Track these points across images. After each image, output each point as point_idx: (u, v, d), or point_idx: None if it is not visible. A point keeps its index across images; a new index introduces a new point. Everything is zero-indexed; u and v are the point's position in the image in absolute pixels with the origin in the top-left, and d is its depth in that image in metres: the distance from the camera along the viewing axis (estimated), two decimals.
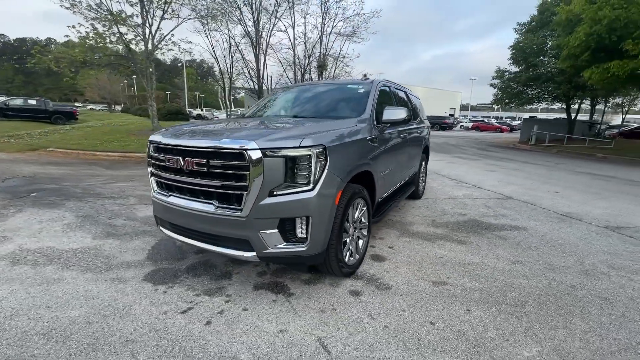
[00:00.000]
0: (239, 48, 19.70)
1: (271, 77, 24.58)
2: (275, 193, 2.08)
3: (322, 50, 18.48)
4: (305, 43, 18.24)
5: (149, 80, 12.18)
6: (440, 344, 1.90)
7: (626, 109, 29.75)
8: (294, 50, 17.07)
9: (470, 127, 41.33)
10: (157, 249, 3.19)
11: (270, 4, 16.85)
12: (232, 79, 20.43)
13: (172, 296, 2.36)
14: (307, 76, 18.52)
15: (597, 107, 27.44)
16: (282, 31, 16.84)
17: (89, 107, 56.17)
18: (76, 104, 48.47)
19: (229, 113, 23.30)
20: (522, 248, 3.40)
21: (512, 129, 39.30)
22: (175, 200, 2.40)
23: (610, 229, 4.07)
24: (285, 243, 2.15)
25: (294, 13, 16.60)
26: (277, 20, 18.67)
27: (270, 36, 21.09)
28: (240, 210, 2.10)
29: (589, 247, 3.45)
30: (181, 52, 14.00)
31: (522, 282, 2.66)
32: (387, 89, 3.86)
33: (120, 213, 4.32)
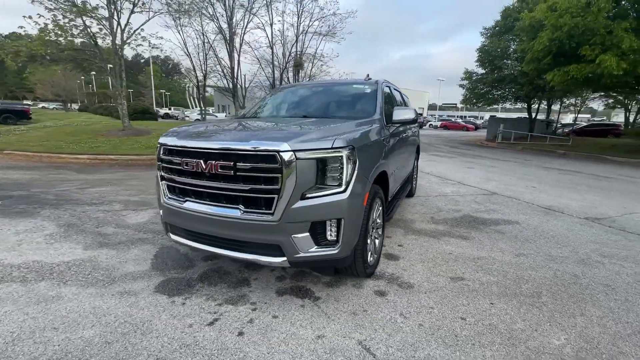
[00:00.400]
0: (212, 45, 19.08)
1: (245, 75, 24.04)
2: (307, 196, 2.02)
3: (298, 48, 18.37)
4: (282, 42, 18.05)
5: (117, 77, 11.40)
6: (477, 338, 1.95)
7: (578, 108, 32.58)
8: (272, 49, 16.79)
9: (439, 125, 43.10)
10: (161, 258, 3.00)
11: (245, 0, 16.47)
12: (205, 77, 19.71)
13: (193, 307, 2.22)
14: (285, 75, 18.31)
15: (553, 107, 29.73)
16: (260, 29, 16.47)
17: (40, 105, 51.53)
18: (26, 102, 44.25)
19: (202, 112, 22.47)
20: (520, 241, 3.59)
21: (477, 127, 41.51)
22: (193, 205, 2.26)
23: (590, 220, 4.41)
24: (316, 247, 2.10)
25: (271, 10, 16.32)
26: (251, 16, 18.29)
27: (244, 34, 20.63)
28: (272, 214, 2.02)
29: (578, 238, 3.72)
30: (152, 48, 13.27)
31: (531, 274, 2.81)
32: (388, 89, 3.91)
33: (107, 220, 4.01)
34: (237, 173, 2.03)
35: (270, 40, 16.64)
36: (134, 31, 11.68)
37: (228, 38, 20.83)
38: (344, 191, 2.07)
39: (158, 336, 1.92)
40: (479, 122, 47.42)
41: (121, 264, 2.86)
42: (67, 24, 10.64)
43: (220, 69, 20.81)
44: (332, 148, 2.03)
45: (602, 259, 3.14)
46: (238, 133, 2.26)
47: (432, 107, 75.15)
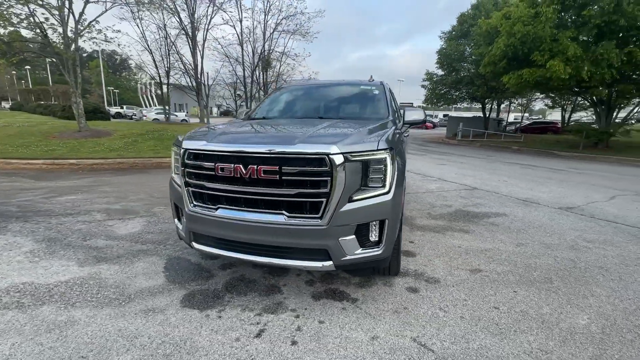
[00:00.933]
0: (174, 42, 18.05)
1: (207, 73, 23.07)
2: (354, 198, 2.01)
3: (266, 47, 18.02)
4: (251, 40, 17.58)
5: (72, 72, 10.30)
6: (516, 325, 2.09)
7: (524, 108, 35.94)
8: (242, 47, 16.28)
9: None
10: (173, 270, 2.79)
11: None
12: (168, 74, 18.58)
13: (232, 320, 2.10)
14: (255, 74, 17.87)
15: (502, 106, 32.45)
16: (229, 25, 15.87)
17: None
18: None
19: (167, 111, 21.17)
20: (514, 232, 3.89)
21: (434, 125, 43.95)
22: (228, 212, 2.13)
23: (564, 210, 4.91)
24: (361, 249, 2.10)
25: (240, 5, 15.80)
26: (215, 10, 17.58)
27: (208, 29, 19.81)
28: (320, 218, 1.98)
29: (560, 226, 4.12)
30: (109, 42, 12.17)
31: (537, 261, 3.06)
32: (389, 90, 4.00)
33: (94, 232, 3.64)
34: (283, 177, 1.96)
35: (240, 37, 16.13)
36: (89, 22, 10.65)
37: (190, 33, 19.87)
38: (388, 192, 2.09)
39: (207, 354, 1.79)
40: (435, 120, 50.18)
41: (130, 279, 2.62)
42: (5, 11, 9.39)
43: (182, 66, 19.79)
44: (377, 150, 2.04)
45: (587, 244, 3.51)
46: (279, 136, 2.18)
47: None
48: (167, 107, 21.17)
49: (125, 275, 2.68)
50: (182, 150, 2.25)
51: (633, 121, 17.13)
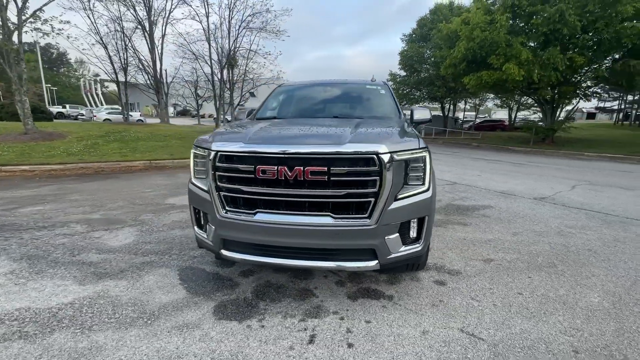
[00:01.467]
0: (129, 36, 16.78)
1: (166, 70, 21.78)
2: (399, 197, 2.03)
3: (230, 43, 17.41)
4: (214, 36, 16.85)
5: (14, 67, 9.09)
6: (543, 307, 2.26)
7: (479, 107, 38.83)
8: (209, 43, 15.54)
9: None
10: (191, 281, 2.61)
11: None
12: (126, 72, 17.22)
13: (277, 328, 2.02)
14: (225, 72, 17.19)
15: (454, 106, 34.71)
16: (197, 21, 15.05)
17: None
18: None
19: (125, 111, 19.59)
20: (506, 222, 4.19)
21: None
22: (268, 217, 2.04)
23: (539, 200, 5.40)
24: (404, 246, 2.12)
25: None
26: (175, 4, 16.66)
27: (167, 23, 18.71)
28: (368, 218, 1.97)
29: (542, 215, 4.52)
30: (58, 33, 10.95)
31: (537, 248, 3.33)
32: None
33: (80, 246, 3.28)
34: (332, 178, 1.92)
35: (207, 33, 15.40)
36: (34, 11, 9.50)
37: (148, 28, 18.62)
38: (428, 189, 2.14)
39: None
40: None
41: (146, 295, 2.39)
42: None
43: (138, 63, 18.47)
44: (419, 148, 2.08)
45: (570, 230, 3.90)
46: (324, 135, 2.12)
47: None
48: (123, 107, 19.58)
49: (139, 290, 2.45)
50: (213, 152, 2.10)
51: (574, 118, 19.31)
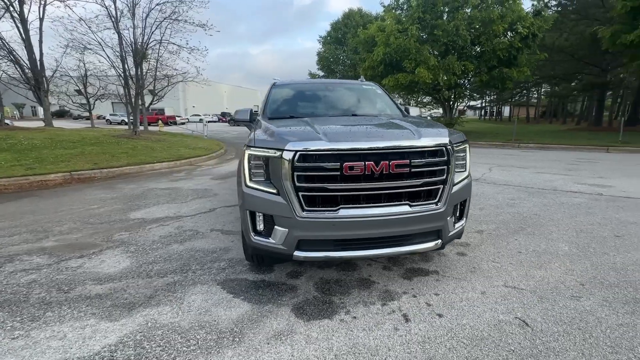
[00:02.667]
0: None
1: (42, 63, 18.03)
2: (455, 182, 2.37)
3: (136, 35, 15.35)
4: (115, 22, 14.54)
5: None
6: (541, 259, 2.91)
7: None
8: (119, 34, 13.31)
9: None
10: (242, 292, 2.46)
11: None
12: None
13: (370, 316, 2.12)
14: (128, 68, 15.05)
15: None
16: (100, 5, 12.67)
17: None
18: None
19: (1, 113, 15.26)
20: (504, 207, 5.03)
21: None
22: (350, 212, 2.12)
23: (478, 181, 6.57)
24: (455, 224, 2.48)
25: None
26: None
27: (45, 4, 15.42)
28: (437, 203, 2.25)
29: (488, 192, 5.56)
30: None
31: (504, 218, 4.14)
32: None
33: (63, 279, 2.71)
34: (412, 170, 2.12)
35: (116, 20, 13.17)
36: None
37: (18, 8, 15.08)
38: (468, 175, 2.55)
39: (388, 349, 1.82)
40: None
41: (206, 315, 2.17)
42: None
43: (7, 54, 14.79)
44: (464, 140, 2.46)
45: (514, 201, 4.93)
46: (397, 132, 2.30)
47: None
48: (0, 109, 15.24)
49: (193, 313, 2.20)
50: (290, 152, 2.05)
51: (466, 114, 23.42)
